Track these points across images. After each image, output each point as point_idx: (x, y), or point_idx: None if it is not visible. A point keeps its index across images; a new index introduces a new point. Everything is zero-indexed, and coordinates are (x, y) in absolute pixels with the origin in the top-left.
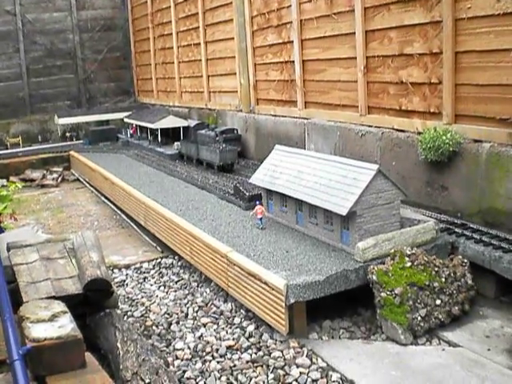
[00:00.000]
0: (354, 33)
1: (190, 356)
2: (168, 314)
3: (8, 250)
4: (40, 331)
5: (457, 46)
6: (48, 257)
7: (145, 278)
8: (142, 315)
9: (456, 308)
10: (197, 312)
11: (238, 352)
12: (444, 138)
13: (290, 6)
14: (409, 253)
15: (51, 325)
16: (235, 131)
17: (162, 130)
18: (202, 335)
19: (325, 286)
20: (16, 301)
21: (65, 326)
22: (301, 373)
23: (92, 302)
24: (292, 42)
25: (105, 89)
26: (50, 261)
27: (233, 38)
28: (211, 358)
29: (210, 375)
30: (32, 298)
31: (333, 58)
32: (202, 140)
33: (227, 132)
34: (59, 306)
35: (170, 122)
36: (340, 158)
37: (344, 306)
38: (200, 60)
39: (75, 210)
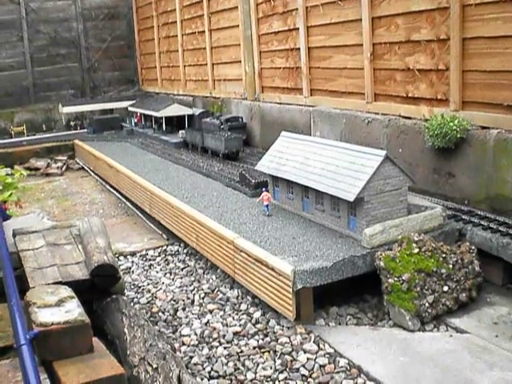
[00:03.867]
0: (361, 19)
1: (196, 342)
2: (174, 300)
3: (14, 236)
4: (47, 316)
5: (464, 32)
6: (54, 243)
7: (150, 265)
8: (148, 302)
9: (463, 295)
10: (203, 298)
11: (245, 338)
12: (451, 124)
13: None
14: (416, 239)
15: (58, 309)
16: (240, 119)
17: (166, 118)
18: (208, 321)
19: (332, 272)
20: (22, 287)
21: (72, 310)
22: (308, 358)
23: (99, 288)
24: (298, 29)
25: (109, 78)
26: (56, 247)
27: (238, 26)
28: (218, 344)
29: (216, 361)
30: (38, 283)
31: (339, 44)
32: (207, 128)
33: (232, 120)
34: (66, 291)
35: (175, 110)
36: (347, 144)
37: (351, 292)
38: (204, 48)
39: (80, 198)
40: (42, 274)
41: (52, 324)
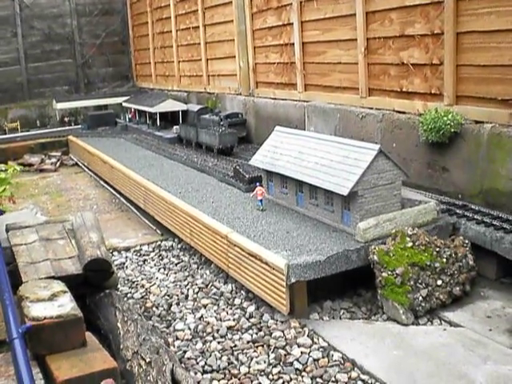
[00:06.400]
0: (355, 14)
1: (190, 336)
2: (168, 295)
3: (7, 231)
4: (40, 310)
5: (458, 26)
6: (47, 237)
7: (145, 261)
8: (142, 297)
9: (457, 288)
10: (197, 293)
11: (239, 332)
12: (445, 119)
13: None
14: (410, 233)
15: (51, 304)
16: (240, 115)
17: (160, 113)
18: (202, 316)
19: (326, 266)
20: (15, 282)
21: (65, 305)
22: (302, 352)
23: (92, 283)
24: (292, 24)
25: (103, 73)
26: (49, 241)
27: (232, 21)
28: (212, 339)
29: (210, 355)
30: (31, 278)
31: (333, 39)
32: (205, 124)
33: (232, 116)
34: (59, 286)
35: (169, 105)
36: (341, 138)
37: (344, 286)
38: (199, 43)
39: (74, 193)
40: (34, 268)
41: (45, 318)
